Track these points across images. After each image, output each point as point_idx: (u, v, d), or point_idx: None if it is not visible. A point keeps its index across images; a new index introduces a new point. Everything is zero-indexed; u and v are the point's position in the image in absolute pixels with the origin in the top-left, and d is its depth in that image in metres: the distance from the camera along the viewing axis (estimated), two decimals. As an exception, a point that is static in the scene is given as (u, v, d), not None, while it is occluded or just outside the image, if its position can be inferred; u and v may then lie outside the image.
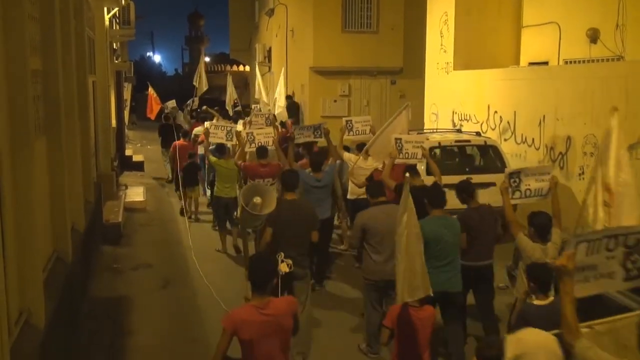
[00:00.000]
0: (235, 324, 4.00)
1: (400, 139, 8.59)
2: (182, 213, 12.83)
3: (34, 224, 4.99)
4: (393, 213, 5.74)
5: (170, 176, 16.13)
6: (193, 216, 12.86)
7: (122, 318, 7.79)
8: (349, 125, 10.31)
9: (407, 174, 7.86)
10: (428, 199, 6.36)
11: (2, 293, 4.17)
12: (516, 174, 6.55)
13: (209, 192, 13.04)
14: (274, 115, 13.75)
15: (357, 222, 6.70)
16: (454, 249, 6.24)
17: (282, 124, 14.08)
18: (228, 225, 10.73)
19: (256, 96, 19.03)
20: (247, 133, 10.32)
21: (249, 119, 13.04)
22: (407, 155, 8.50)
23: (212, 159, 10.44)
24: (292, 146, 9.76)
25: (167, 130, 16.88)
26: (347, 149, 10.59)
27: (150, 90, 21.20)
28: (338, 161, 9.50)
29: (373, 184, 7.31)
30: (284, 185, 6.91)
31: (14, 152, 4.73)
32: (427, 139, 9.25)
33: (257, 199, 6.98)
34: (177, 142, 14.13)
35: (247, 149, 9.99)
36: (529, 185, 6.56)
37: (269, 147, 9.71)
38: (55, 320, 5.36)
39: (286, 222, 6.36)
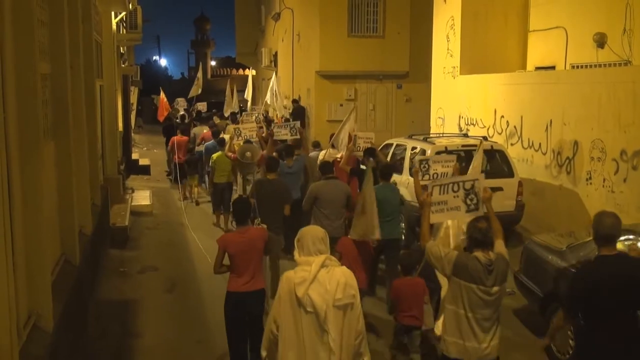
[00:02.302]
0: (225, 242, 5.89)
1: (355, 135, 10.79)
2: (183, 198, 15.04)
3: (42, 227, 5.01)
4: (338, 185, 8.27)
5: (169, 169, 17.66)
6: (193, 201, 14.89)
7: (128, 320, 7.82)
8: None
9: (370, 159, 9.40)
10: (380, 173, 8.24)
11: (12, 296, 4.20)
12: (425, 161, 7.65)
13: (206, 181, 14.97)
14: (265, 114, 16.55)
15: (309, 191, 8.31)
16: (396, 208, 7.97)
17: (270, 122, 16.23)
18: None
19: (245, 96, 20.66)
20: (235, 128, 12.92)
21: (241, 118, 16.10)
22: (358, 148, 10.65)
23: (213, 156, 12.44)
24: (272, 141, 11.76)
25: (169, 130, 18.71)
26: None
27: (162, 95, 23.05)
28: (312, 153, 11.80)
29: (324, 164, 8.95)
30: (267, 167, 8.71)
31: (23, 156, 4.76)
32: (373, 136, 11.28)
33: (248, 153, 9.68)
34: (175, 138, 15.70)
35: (234, 142, 12.26)
36: (436, 170, 7.55)
37: (252, 141, 11.95)
38: (63, 323, 5.38)
39: (265, 195, 8.07)
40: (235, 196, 12.29)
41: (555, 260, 6.83)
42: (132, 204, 13.64)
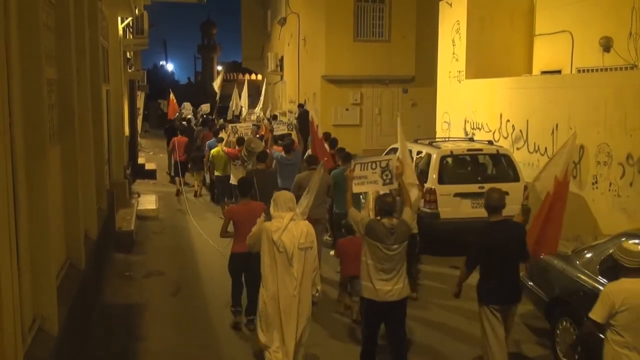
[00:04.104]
0: (231, 212, 7.46)
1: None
2: (178, 194, 16.22)
3: (47, 231, 5.04)
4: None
5: (169, 169, 18.77)
6: (199, 194, 16.34)
7: (134, 324, 7.83)
8: None
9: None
10: (340, 157, 10.06)
11: (17, 299, 4.21)
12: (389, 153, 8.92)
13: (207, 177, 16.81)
14: (272, 116, 18.89)
15: (295, 180, 9.33)
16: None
17: (269, 120, 17.68)
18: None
19: (241, 102, 22.19)
20: (231, 126, 14.49)
21: (243, 117, 18.53)
22: None
23: (212, 152, 14.18)
24: (271, 136, 13.36)
25: (171, 132, 19.68)
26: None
27: (172, 97, 25.26)
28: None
29: (309, 157, 10.30)
30: (257, 159, 10.15)
31: (28, 160, 4.78)
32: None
33: (253, 145, 11.21)
34: (175, 138, 16.97)
35: (231, 139, 13.77)
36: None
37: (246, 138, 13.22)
38: (68, 327, 5.40)
39: (260, 181, 9.03)
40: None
41: (561, 265, 6.80)
42: (138, 208, 13.67)
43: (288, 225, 5.62)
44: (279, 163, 11.46)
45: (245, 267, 7.12)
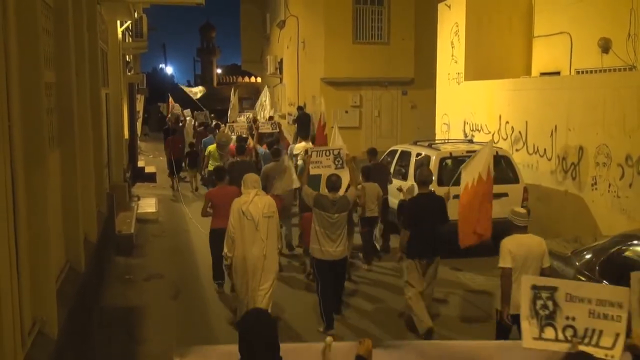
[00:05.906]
0: (210, 195, 8.83)
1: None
2: (174, 189, 17.51)
3: (47, 235, 5.03)
4: (283, 166, 10.83)
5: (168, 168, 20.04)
6: (194, 188, 17.80)
7: (134, 327, 7.83)
8: None
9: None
10: (271, 154, 11.27)
11: (16, 302, 4.21)
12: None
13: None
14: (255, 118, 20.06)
15: (262, 171, 10.57)
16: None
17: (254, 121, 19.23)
18: None
19: (230, 113, 22.48)
20: (229, 125, 16.71)
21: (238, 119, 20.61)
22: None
23: (209, 148, 15.20)
24: (258, 134, 14.88)
25: (167, 132, 21.33)
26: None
27: (171, 99, 27.51)
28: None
29: (274, 150, 11.41)
30: (237, 151, 11.77)
31: (27, 164, 4.78)
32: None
33: (224, 139, 13.16)
34: (169, 138, 18.75)
35: None
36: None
37: (244, 136, 14.82)
38: (68, 330, 5.39)
39: (237, 171, 9.77)
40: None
41: (561, 267, 6.80)
42: (138, 211, 13.68)
43: (254, 199, 7.02)
44: (264, 158, 13.11)
45: (222, 241, 7.75)
